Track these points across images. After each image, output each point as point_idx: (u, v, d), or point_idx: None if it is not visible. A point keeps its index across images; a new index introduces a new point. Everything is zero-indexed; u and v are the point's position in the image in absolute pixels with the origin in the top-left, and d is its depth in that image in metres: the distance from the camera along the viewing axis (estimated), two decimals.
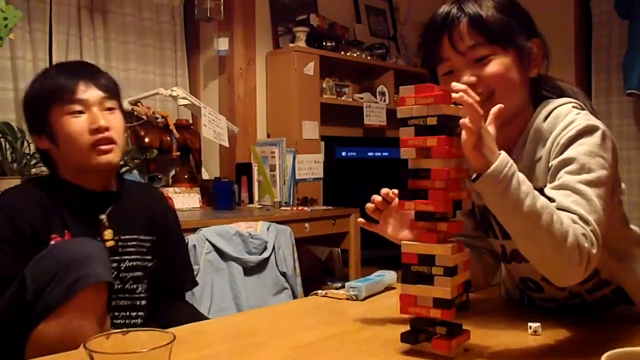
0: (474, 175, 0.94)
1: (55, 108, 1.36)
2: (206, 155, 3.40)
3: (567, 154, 1.04)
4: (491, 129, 0.94)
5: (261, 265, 2.49)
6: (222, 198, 3.00)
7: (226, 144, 3.00)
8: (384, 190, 1.20)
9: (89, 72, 1.41)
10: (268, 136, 3.51)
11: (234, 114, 3.35)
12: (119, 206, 1.44)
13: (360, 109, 3.72)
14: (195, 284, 1.66)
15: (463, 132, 0.92)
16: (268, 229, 2.55)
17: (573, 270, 0.95)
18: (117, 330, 0.82)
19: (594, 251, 0.95)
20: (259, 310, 1.58)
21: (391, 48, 4.22)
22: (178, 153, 3.09)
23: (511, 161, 0.93)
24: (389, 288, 1.48)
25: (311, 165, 3.39)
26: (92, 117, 1.36)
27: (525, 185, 0.93)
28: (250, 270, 2.45)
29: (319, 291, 1.47)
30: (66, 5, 2.85)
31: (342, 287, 1.49)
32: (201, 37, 3.50)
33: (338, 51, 3.71)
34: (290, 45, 3.51)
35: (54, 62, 2.80)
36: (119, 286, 1.40)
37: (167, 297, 1.57)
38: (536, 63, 1.15)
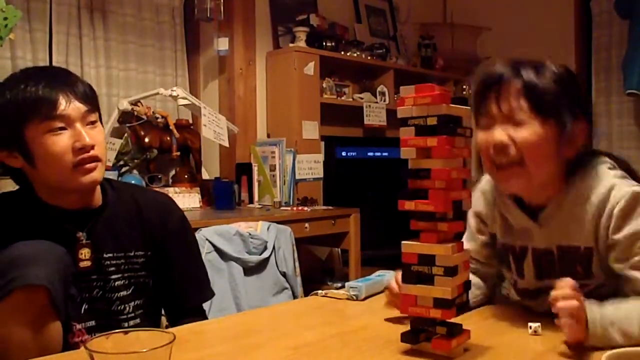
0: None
1: (33, 124, 1.21)
2: (206, 155, 3.40)
3: (630, 229, 1.09)
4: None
5: (261, 265, 2.49)
6: (222, 198, 3.00)
7: (226, 144, 3.00)
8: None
9: (67, 82, 1.26)
10: (268, 136, 3.50)
11: (234, 114, 3.35)
12: (101, 222, 1.32)
13: (360, 109, 3.72)
14: (207, 295, 1.50)
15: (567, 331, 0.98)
16: (268, 229, 2.55)
17: None
18: (117, 330, 0.82)
19: None
20: (259, 310, 1.58)
21: (391, 48, 4.22)
22: (178, 153, 3.09)
23: (598, 315, 0.99)
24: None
25: (311, 165, 3.39)
26: (76, 135, 1.23)
27: (620, 322, 0.99)
28: (250, 270, 2.45)
29: (319, 291, 1.47)
30: (66, 5, 2.85)
31: (342, 287, 1.49)
32: (201, 37, 3.50)
33: (338, 51, 3.70)
34: (290, 45, 3.51)
35: (54, 62, 2.80)
36: (105, 307, 1.32)
37: (179, 312, 1.44)
38: (575, 145, 1.13)
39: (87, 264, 1.28)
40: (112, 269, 1.32)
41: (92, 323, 1.30)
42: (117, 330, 0.82)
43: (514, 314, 1.26)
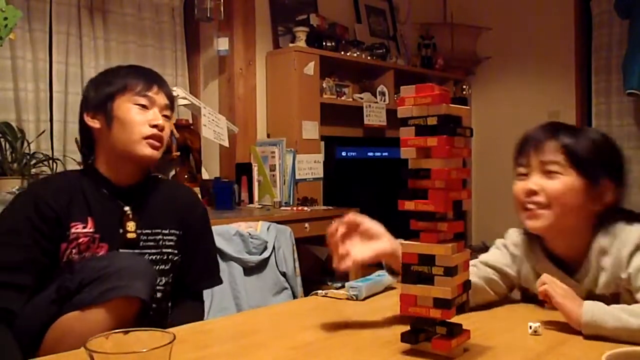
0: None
1: (125, 95, 1.46)
2: (206, 155, 3.40)
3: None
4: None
5: (261, 265, 2.49)
6: (222, 198, 3.00)
7: (226, 144, 3.00)
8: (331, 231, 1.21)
9: (161, 80, 1.53)
10: (268, 136, 3.51)
11: (234, 114, 3.35)
12: (145, 200, 1.51)
13: (360, 109, 3.72)
14: (216, 282, 1.66)
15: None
16: (268, 229, 2.55)
17: None
18: (117, 330, 0.82)
19: None
20: (259, 310, 1.58)
21: (391, 48, 4.22)
22: (178, 153, 3.09)
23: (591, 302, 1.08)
24: (389, 288, 1.48)
25: (311, 165, 3.39)
26: (154, 115, 1.48)
27: (613, 309, 1.06)
28: (250, 270, 2.45)
29: (319, 291, 1.48)
30: (66, 5, 2.85)
31: (342, 287, 1.49)
32: (201, 37, 3.50)
33: (338, 51, 3.71)
34: (290, 45, 3.51)
35: (54, 62, 2.81)
36: None
37: (182, 294, 1.58)
38: (603, 202, 1.22)
39: (133, 235, 1.46)
40: (150, 243, 1.48)
41: None
42: (116, 330, 0.82)
43: (514, 314, 1.26)
